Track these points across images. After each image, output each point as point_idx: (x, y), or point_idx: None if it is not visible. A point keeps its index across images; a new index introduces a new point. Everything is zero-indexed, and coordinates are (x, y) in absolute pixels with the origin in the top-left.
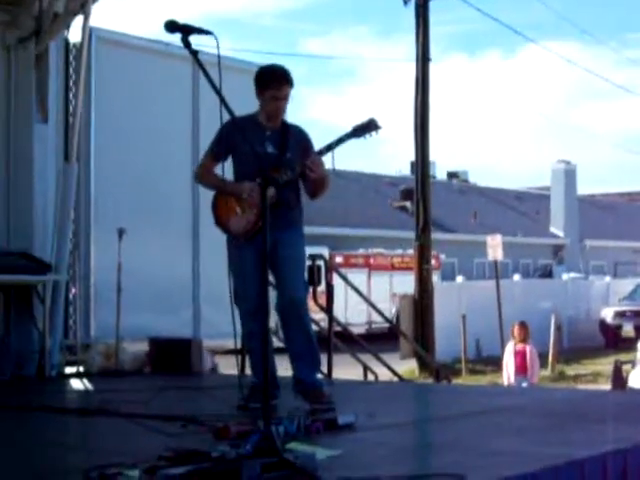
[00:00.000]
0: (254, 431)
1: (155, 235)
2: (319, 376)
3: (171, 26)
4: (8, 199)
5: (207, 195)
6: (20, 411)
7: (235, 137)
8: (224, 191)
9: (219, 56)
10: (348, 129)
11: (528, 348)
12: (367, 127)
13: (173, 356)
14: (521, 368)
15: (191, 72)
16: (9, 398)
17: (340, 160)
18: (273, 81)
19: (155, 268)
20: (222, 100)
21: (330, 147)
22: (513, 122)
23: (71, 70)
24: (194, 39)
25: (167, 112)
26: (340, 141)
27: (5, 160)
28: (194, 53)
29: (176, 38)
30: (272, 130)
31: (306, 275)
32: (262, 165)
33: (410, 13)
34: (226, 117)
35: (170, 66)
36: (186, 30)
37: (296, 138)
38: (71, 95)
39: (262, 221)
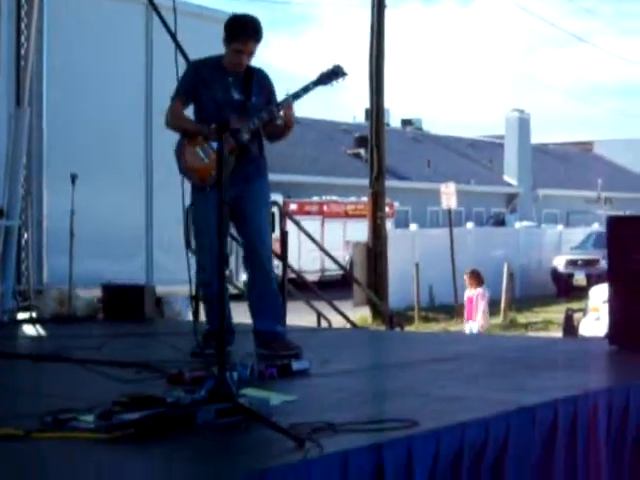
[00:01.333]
0: (208, 377)
1: (108, 181)
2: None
3: None
4: None
5: (161, 140)
6: None
7: (199, 82)
8: (196, 133)
9: (174, 2)
10: (313, 77)
11: (475, 294)
12: (333, 74)
13: (126, 303)
14: (470, 314)
15: (144, 15)
16: None
17: (295, 107)
18: (240, 34)
19: (108, 214)
20: (178, 45)
21: (297, 95)
22: (468, 70)
23: (23, 13)
24: None
25: (120, 56)
26: (307, 89)
27: None
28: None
29: None
30: (236, 74)
31: None
32: (227, 112)
33: None
34: (181, 62)
35: (123, 9)
36: None
37: (260, 83)
38: (23, 39)
39: (218, 171)
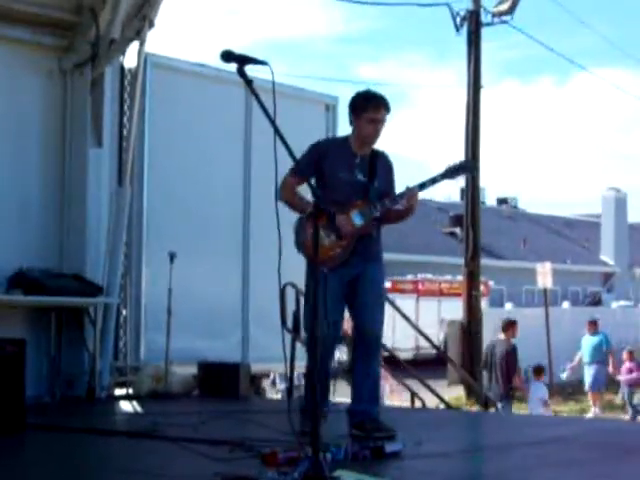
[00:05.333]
0: (302, 458)
1: (205, 259)
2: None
3: (227, 56)
4: (62, 221)
5: (258, 220)
6: (69, 432)
7: (324, 161)
8: (304, 211)
9: (274, 84)
10: (441, 169)
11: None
12: (461, 168)
13: (221, 380)
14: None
15: (244, 97)
16: (59, 419)
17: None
18: (371, 104)
19: (205, 291)
20: (276, 130)
21: (423, 185)
22: (564, 149)
23: (125, 95)
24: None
25: (219, 137)
26: (434, 180)
27: (60, 183)
28: (249, 82)
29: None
30: (362, 157)
31: None
32: (350, 193)
33: (462, 40)
34: (279, 146)
35: (223, 91)
36: (242, 60)
37: (384, 166)
38: (125, 119)
39: (314, 251)
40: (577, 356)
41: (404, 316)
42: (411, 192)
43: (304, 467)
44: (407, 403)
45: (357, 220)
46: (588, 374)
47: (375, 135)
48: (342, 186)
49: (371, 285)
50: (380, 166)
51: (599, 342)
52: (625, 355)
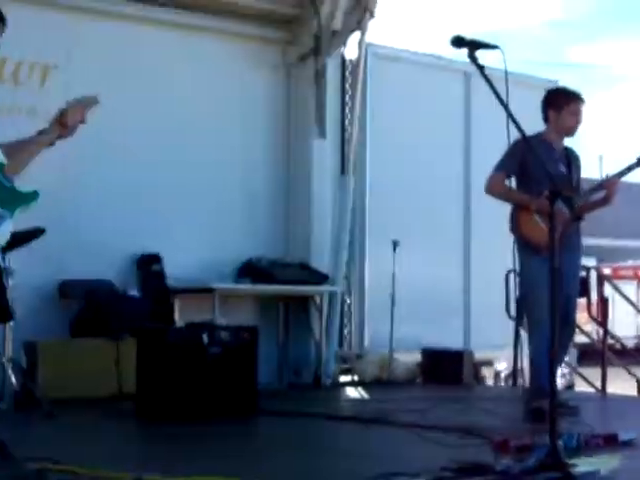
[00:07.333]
0: (537, 445)
1: (426, 246)
2: None
3: (458, 41)
4: (288, 211)
5: (479, 206)
6: (299, 417)
7: (528, 155)
8: (521, 203)
9: (506, 71)
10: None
11: None
12: None
13: (445, 367)
14: None
15: (463, 84)
16: (287, 405)
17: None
18: (573, 97)
19: (427, 279)
20: (510, 115)
21: (622, 174)
22: None
23: (347, 85)
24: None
25: (439, 124)
26: (630, 168)
27: (285, 173)
28: (480, 68)
29: (454, 52)
30: (559, 150)
31: None
32: (557, 185)
33: None
34: (513, 131)
35: (442, 79)
36: (473, 45)
37: (575, 160)
38: (347, 110)
39: (550, 237)
40: None
41: (631, 303)
42: (612, 179)
43: (541, 454)
44: (633, 392)
45: (564, 210)
46: None
47: (577, 127)
48: (552, 178)
49: (573, 276)
50: (573, 160)
51: None
52: None
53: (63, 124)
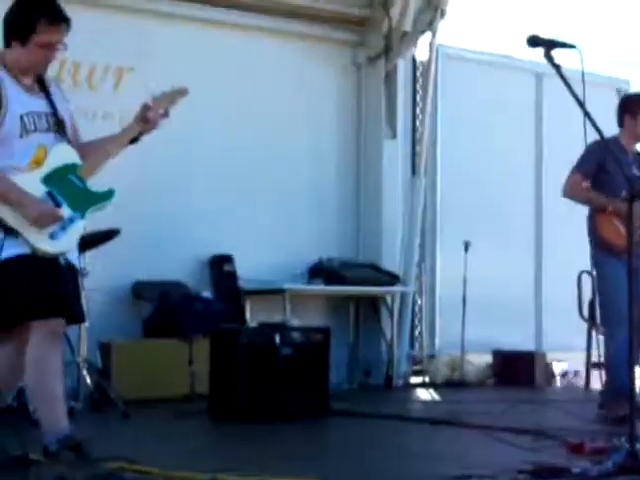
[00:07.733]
0: (615, 448)
1: (498, 247)
2: None
3: (534, 41)
4: (358, 212)
5: (551, 207)
6: (371, 418)
7: (605, 158)
8: (599, 205)
9: (582, 71)
10: None
11: None
12: None
13: (517, 369)
14: None
15: (534, 83)
16: (359, 406)
17: None
18: None
19: (498, 280)
20: (588, 116)
21: None
22: None
23: (418, 86)
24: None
25: (511, 125)
26: None
27: (356, 174)
28: (557, 67)
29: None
30: (632, 154)
31: None
32: (633, 187)
33: None
34: (590, 132)
35: (514, 80)
36: (549, 44)
37: None
38: (418, 110)
39: (628, 239)
40: None
41: None
42: None
43: (619, 458)
44: None
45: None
46: None
47: None
48: (625, 182)
49: None
50: None
51: None
52: None
53: (145, 119)
